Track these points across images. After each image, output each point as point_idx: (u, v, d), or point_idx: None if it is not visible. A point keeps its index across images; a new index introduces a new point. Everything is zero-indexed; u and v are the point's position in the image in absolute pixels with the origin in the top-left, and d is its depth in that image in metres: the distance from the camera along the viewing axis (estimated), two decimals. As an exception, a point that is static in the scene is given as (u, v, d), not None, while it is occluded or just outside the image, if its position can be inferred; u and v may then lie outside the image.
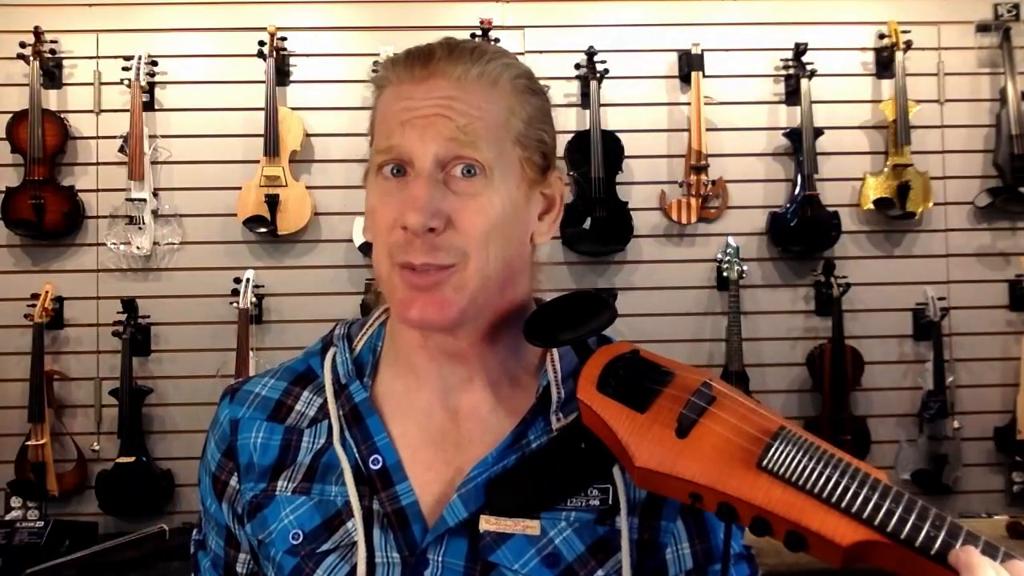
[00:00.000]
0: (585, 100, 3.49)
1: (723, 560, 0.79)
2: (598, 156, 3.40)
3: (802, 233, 3.47)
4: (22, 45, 3.36)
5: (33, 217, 3.36)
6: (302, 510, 0.89)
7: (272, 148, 3.37)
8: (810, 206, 3.45)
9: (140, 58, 3.39)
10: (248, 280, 3.32)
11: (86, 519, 3.31)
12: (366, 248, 3.28)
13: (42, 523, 3.10)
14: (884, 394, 3.54)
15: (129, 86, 3.38)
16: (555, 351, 0.91)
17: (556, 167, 0.93)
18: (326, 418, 0.92)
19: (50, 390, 3.36)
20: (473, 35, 3.36)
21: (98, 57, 3.50)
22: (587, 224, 3.42)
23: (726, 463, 0.70)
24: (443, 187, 0.83)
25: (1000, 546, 0.64)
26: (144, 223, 3.39)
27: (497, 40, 3.42)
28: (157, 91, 3.49)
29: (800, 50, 3.50)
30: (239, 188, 3.41)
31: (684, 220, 3.51)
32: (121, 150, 3.40)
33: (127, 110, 3.38)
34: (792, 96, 3.55)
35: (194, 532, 1.02)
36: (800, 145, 3.46)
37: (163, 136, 3.47)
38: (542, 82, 0.96)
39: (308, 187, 3.45)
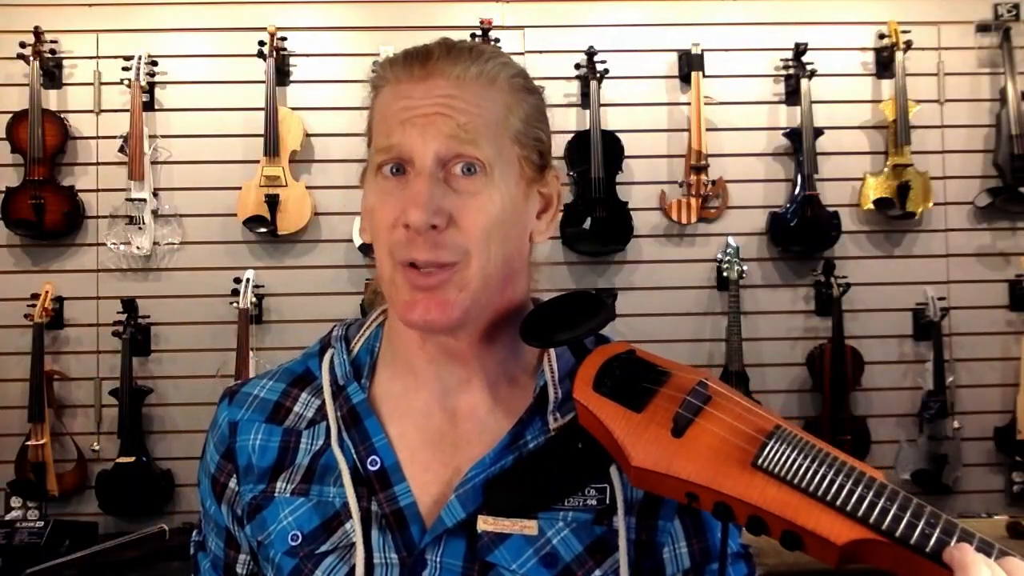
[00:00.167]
0: (585, 100, 3.49)
1: (720, 559, 0.79)
2: (598, 156, 3.40)
3: (802, 233, 3.47)
4: (22, 45, 3.36)
5: (33, 217, 3.36)
6: (301, 511, 0.89)
7: (272, 148, 3.37)
8: (810, 206, 3.45)
9: (140, 58, 3.39)
10: (248, 280, 3.32)
11: (86, 519, 3.31)
12: (366, 248, 3.28)
13: (42, 523, 3.10)
14: (884, 394, 3.54)
15: (129, 86, 3.38)
16: (552, 351, 0.91)
17: (553, 166, 0.93)
18: (324, 419, 0.92)
19: (50, 390, 3.36)
20: (473, 35, 3.37)
21: (98, 57, 3.50)
22: (587, 224, 3.42)
23: (722, 462, 0.71)
24: (444, 185, 0.83)
25: (995, 543, 0.64)
26: (144, 223, 3.39)
27: (497, 40, 3.42)
28: (157, 91, 3.49)
29: (800, 50, 3.50)
30: (239, 188, 3.41)
31: (684, 220, 3.51)
32: (121, 150, 3.40)
33: (127, 110, 3.38)
34: (792, 96, 3.55)
35: (194, 533, 1.02)
36: (800, 145, 3.46)
37: (163, 136, 3.47)
38: (542, 82, 0.96)
39: (308, 187, 3.45)
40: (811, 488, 0.67)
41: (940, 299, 3.47)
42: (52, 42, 3.45)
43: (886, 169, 3.51)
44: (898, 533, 0.65)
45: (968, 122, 3.61)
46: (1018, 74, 3.53)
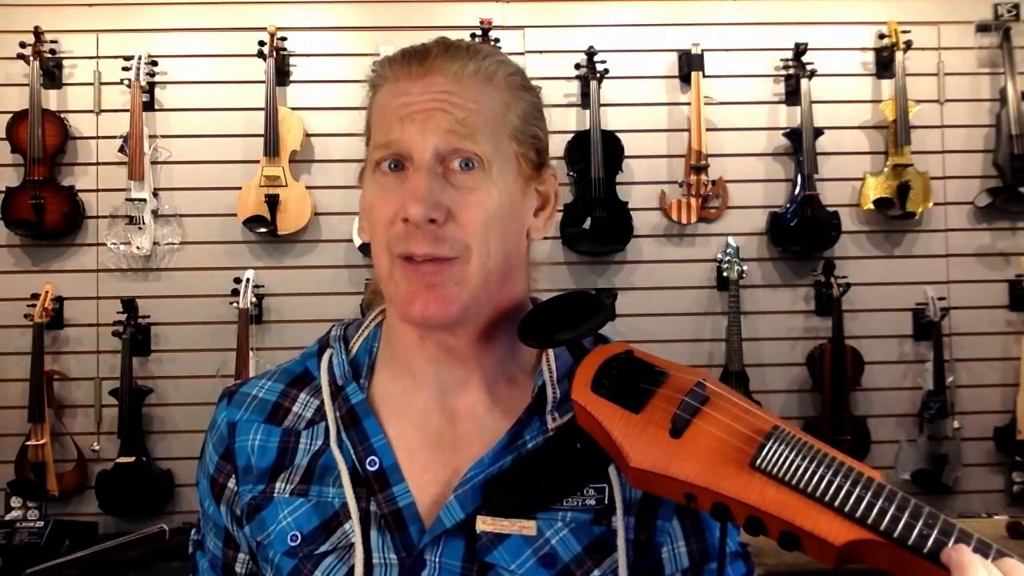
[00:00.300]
0: (585, 100, 3.49)
1: (719, 559, 0.79)
2: (598, 156, 3.40)
3: (802, 233, 3.47)
4: (22, 45, 3.36)
5: (33, 217, 3.36)
6: (300, 512, 0.89)
7: (272, 148, 3.37)
8: (810, 206, 3.45)
9: (140, 58, 3.39)
10: (248, 280, 3.32)
11: (86, 519, 3.31)
12: (366, 248, 3.28)
13: (42, 523, 3.10)
14: (884, 394, 3.54)
15: (129, 86, 3.38)
16: (550, 351, 0.91)
17: (550, 164, 0.94)
18: (323, 420, 0.92)
19: (50, 390, 3.36)
20: (473, 35, 3.37)
21: (98, 57, 3.50)
22: (587, 224, 3.42)
23: (720, 463, 0.71)
24: (442, 180, 0.83)
25: (992, 544, 0.64)
26: (144, 223, 3.39)
27: (497, 40, 3.42)
28: (157, 91, 3.49)
29: (800, 50, 3.50)
30: (239, 188, 3.41)
31: (684, 220, 3.51)
32: (121, 150, 3.40)
33: (127, 110, 3.38)
34: (792, 96, 3.55)
35: (192, 532, 1.02)
36: (800, 145, 3.46)
37: (163, 136, 3.47)
38: (542, 82, 0.96)
39: (308, 187, 3.45)
40: (809, 489, 0.67)
41: (940, 299, 3.47)
42: (52, 42, 3.45)
43: (886, 169, 3.51)
44: (896, 533, 0.65)
45: (968, 122, 3.61)
46: (1018, 74, 3.53)
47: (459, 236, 0.83)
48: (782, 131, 3.55)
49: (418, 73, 0.86)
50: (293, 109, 3.48)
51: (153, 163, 3.44)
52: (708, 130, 3.50)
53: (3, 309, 3.41)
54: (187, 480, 3.38)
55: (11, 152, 3.41)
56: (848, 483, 0.67)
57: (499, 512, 0.84)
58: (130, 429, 3.30)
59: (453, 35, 0.92)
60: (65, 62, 3.49)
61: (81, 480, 3.38)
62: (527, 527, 0.84)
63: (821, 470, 0.68)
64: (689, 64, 3.52)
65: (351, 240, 3.43)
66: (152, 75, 3.45)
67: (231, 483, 0.94)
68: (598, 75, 3.44)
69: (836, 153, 3.56)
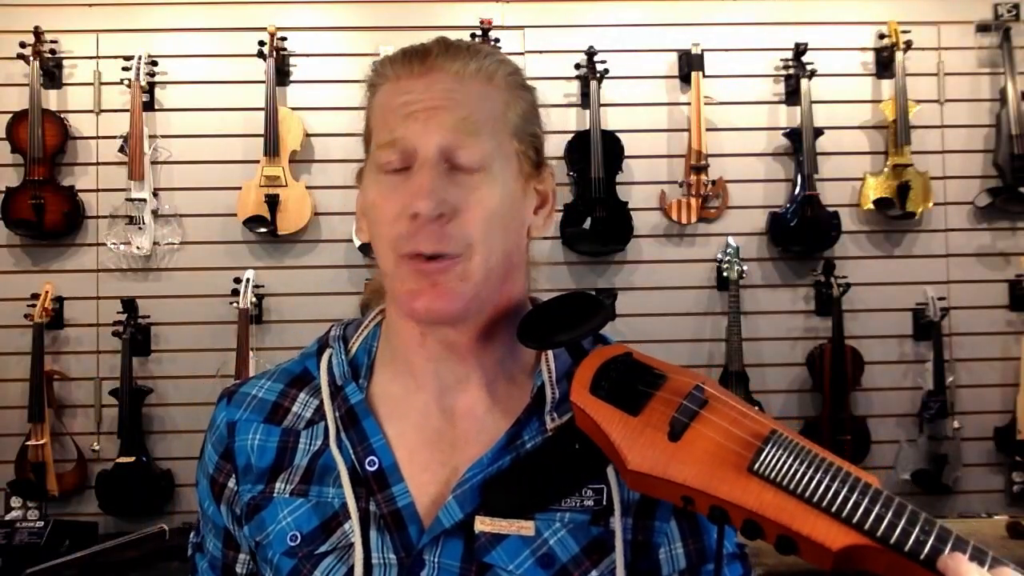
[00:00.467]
0: (585, 100, 3.49)
1: (716, 561, 0.79)
2: (598, 156, 3.40)
3: (802, 233, 3.47)
4: (22, 45, 3.36)
5: (33, 217, 3.36)
6: (300, 512, 0.89)
7: (272, 148, 3.37)
8: (810, 206, 3.45)
9: (140, 58, 3.39)
10: (248, 280, 3.32)
11: (86, 519, 3.31)
12: (366, 248, 3.28)
13: (42, 523, 3.10)
14: (884, 394, 3.54)
15: (129, 86, 3.38)
16: (550, 351, 0.91)
17: (548, 163, 0.94)
18: (323, 420, 0.92)
19: (50, 390, 3.36)
20: (473, 35, 3.37)
21: (98, 57, 3.50)
22: (587, 224, 3.42)
23: (718, 467, 0.71)
24: (446, 177, 0.83)
25: (988, 551, 0.64)
26: (144, 223, 3.39)
27: (497, 40, 3.42)
28: (157, 91, 3.49)
29: (800, 50, 3.50)
30: (239, 188, 3.42)
31: (684, 220, 3.51)
32: (121, 150, 3.40)
33: (127, 110, 3.38)
34: (792, 96, 3.55)
35: (191, 535, 1.02)
36: (800, 145, 3.46)
37: (163, 136, 3.47)
38: (542, 82, 0.97)
39: (308, 187, 3.45)
40: (807, 494, 0.67)
41: (940, 299, 3.47)
42: (52, 42, 3.45)
43: (886, 169, 3.51)
44: (892, 540, 0.65)
45: (968, 122, 3.61)
46: (1018, 74, 3.53)
47: (463, 233, 0.83)
48: (782, 131, 3.55)
49: (420, 72, 0.86)
50: (293, 109, 3.48)
51: (153, 163, 3.44)
52: (708, 130, 3.50)
53: (3, 309, 3.41)
54: (187, 480, 3.38)
55: (11, 152, 3.41)
56: (845, 488, 0.67)
57: (497, 512, 0.84)
58: (130, 429, 3.30)
59: (453, 35, 0.93)
60: (65, 62, 3.49)
61: (81, 480, 3.38)
62: (525, 527, 0.84)
63: (819, 475, 0.68)
64: (689, 64, 3.52)
65: (351, 240, 3.43)
66: (152, 75, 3.45)
67: (231, 483, 0.94)
68: (598, 75, 3.44)
69: (836, 153, 3.57)
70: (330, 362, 0.95)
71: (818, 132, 3.47)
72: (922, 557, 0.64)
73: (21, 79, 3.42)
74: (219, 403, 0.98)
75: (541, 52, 3.55)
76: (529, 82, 0.94)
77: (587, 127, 3.43)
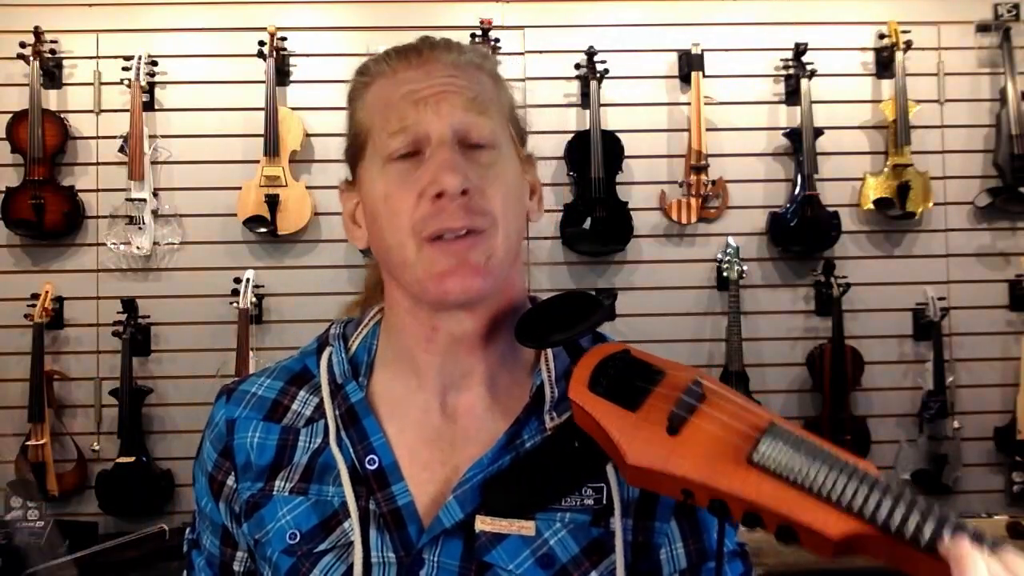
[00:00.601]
0: (585, 100, 3.48)
1: (717, 559, 0.79)
2: (598, 156, 3.40)
3: (802, 233, 3.47)
4: (22, 45, 3.36)
5: (33, 217, 3.36)
6: (299, 510, 0.89)
7: (272, 148, 3.37)
8: (810, 206, 3.45)
9: (140, 58, 3.39)
10: (248, 280, 3.32)
11: (86, 519, 3.31)
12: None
13: (42, 523, 3.10)
14: (884, 394, 3.54)
15: (129, 86, 3.38)
16: (549, 350, 0.91)
17: (532, 156, 0.97)
18: (322, 418, 0.92)
19: (50, 390, 3.36)
20: (473, 35, 3.37)
21: (98, 57, 3.50)
22: (587, 224, 3.41)
23: (717, 459, 0.71)
24: (462, 157, 0.85)
25: (985, 533, 0.63)
26: (144, 223, 3.39)
27: (497, 40, 3.42)
28: (157, 91, 3.49)
29: (800, 50, 3.50)
30: (239, 188, 3.41)
31: (684, 220, 3.51)
32: (121, 150, 3.40)
33: (127, 110, 3.38)
34: (792, 96, 3.55)
35: (187, 531, 1.02)
36: (800, 145, 3.46)
37: (163, 136, 3.47)
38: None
39: (308, 187, 3.45)
40: (806, 483, 0.67)
41: (940, 299, 3.46)
42: (52, 42, 3.44)
43: (886, 169, 3.51)
44: (892, 526, 0.64)
45: (968, 122, 3.61)
46: (1018, 74, 3.52)
47: (487, 207, 0.85)
48: (782, 131, 3.55)
49: (418, 63, 0.88)
50: (293, 109, 3.47)
51: (153, 163, 3.44)
52: (708, 130, 3.50)
53: (3, 309, 3.41)
54: (187, 480, 3.34)
55: (11, 152, 3.41)
56: (844, 476, 0.67)
57: (498, 512, 0.84)
58: (130, 429, 3.30)
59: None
60: (65, 62, 3.48)
61: (81, 480, 3.38)
62: (526, 527, 0.84)
63: (817, 465, 0.68)
64: (689, 64, 3.52)
65: (351, 240, 3.42)
66: (152, 75, 3.45)
67: (230, 480, 0.94)
68: (598, 75, 3.44)
69: (836, 153, 3.56)
70: (330, 360, 0.95)
71: (818, 132, 3.47)
72: (923, 543, 0.63)
73: (21, 79, 3.42)
74: (218, 401, 0.98)
75: (541, 52, 3.54)
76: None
77: (587, 127, 3.43)
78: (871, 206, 3.51)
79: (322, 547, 0.87)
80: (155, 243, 3.43)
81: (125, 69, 3.38)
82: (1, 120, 3.42)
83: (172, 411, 3.44)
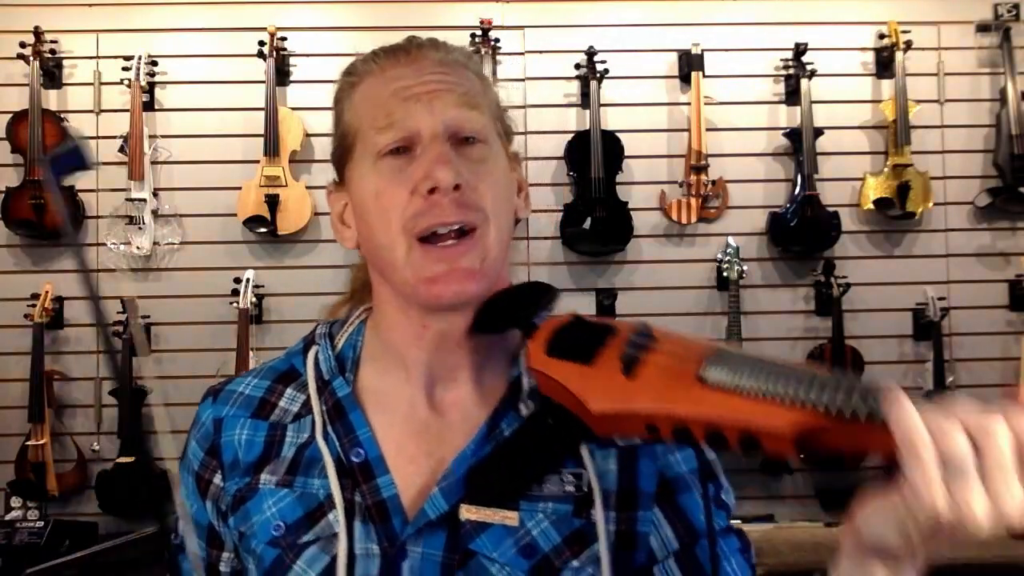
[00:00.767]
0: (585, 100, 3.49)
1: (708, 536, 0.82)
2: (598, 156, 3.40)
3: (802, 233, 3.47)
4: (22, 45, 3.36)
5: (33, 217, 3.36)
6: (285, 502, 0.89)
7: (272, 148, 3.37)
8: (810, 206, 3.45)
9: (140, 58, 3.39)
10: (248, 280, 3.32)
11: (86, 519, 3.31)
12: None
13: (42, 523, 3.11)
14: (884, 394, 3.54)
15: (129, 86, 3.38)
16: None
17: (517, 152, 0.97)
18: (309, 413, 0.93)
19: (50, 390, 3.36)
20: (473, 35, 3.38)
21: (98, 57, 3.50)
22: (587, 224, 3.42)
23: (672, 388, 0.73)
24: (454, 152, 0.86)
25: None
26: (144, 223, 3.39)
27: (497, 40, 3.42)
28: (157, 91, 3.50)
29: (800, 50, 3.50)
30: (239, 188, 3.42)
31: (684, 220, 3.51)
32: (121, 150, 3.40)
33: (127, 110, 3.38)
34: (792, 96, 3.55)
35: (171, 536, 1.01)
36: (800, 145, 3.46)
37: (163, 136, 3.48)
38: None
39: (308, 187, 3.45)
40: (754, 391, 0.69)
41: (940, 299, 3.46)
42: (52, 42, 3.45)
43: (886, 169, 3.51)
44: (833, 407, 0.65)
45: (968, 122, 3.61)
46: (1018, 74, 3.52)
47: (479, 203, 0.85)
48: (782, 131, 3.55)
49: (406, 61, 0.90)
50: (293, 109, 3.48)
51: (153, 163, 3.44)
52: (708, 130, 3.50)
53: (3, 309, 3.41)
54: (187, 480, 3.37)
55: (11, 152, 3.42)
56: (786, 377, 0.68)
57: (481, 500, 0.85)
58: (130, 429, 3.30)
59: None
60: (65, 62, 3.49)
61: (81, 480, 3.38)
62: (509, 517, 0.85)
63: (764, 373, 0.70)
64: (689, 64, 3.52)
65: (351, 240, 3.43)
66: (152, 75, 3.46)
67: (216, 479, 0.95)
68: (598, 75, 3.44)
69: (836, 153, 3.56)
70: (316, 358, 0.96)
71: (818, 132, 3.47)
72: (865, 414, 0.64)
73: (21, 79, 3.42)
74: (204, 401, 0.99)
75: (541, 52, 3.54)
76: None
77: (587, 127, 3.43)
78: (871, 206, 3.51)
79: (306, 538, 0.87)
80: (155, 243, 3.43)
81: (125, 69, 3.39)
82: (1, 120, 3.42)
83: (172, 411, 3.42)
